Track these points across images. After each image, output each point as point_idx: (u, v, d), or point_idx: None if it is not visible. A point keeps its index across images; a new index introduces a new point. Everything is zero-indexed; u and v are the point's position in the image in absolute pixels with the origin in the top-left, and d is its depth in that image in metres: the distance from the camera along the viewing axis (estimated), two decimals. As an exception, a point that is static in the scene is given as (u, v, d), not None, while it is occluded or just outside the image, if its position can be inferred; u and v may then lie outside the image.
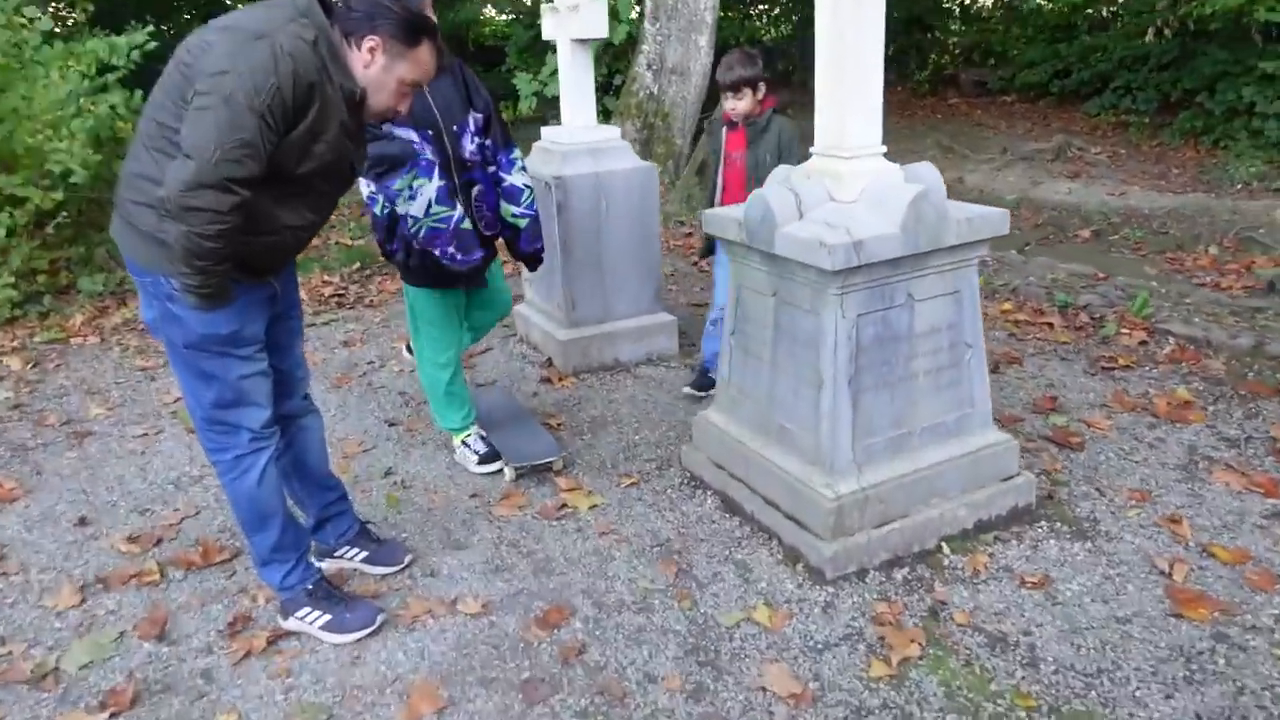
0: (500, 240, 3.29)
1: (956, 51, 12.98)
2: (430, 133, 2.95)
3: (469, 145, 3.04)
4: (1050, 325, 4.63)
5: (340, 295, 5.83)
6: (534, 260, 3.40)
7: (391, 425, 3.91)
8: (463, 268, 3.02)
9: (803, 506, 2.71)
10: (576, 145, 4.23)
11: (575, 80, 4.30)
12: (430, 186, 2.89)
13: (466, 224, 2.99)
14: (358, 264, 6.37)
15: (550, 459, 3.34)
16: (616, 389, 4.16)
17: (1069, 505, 2.99)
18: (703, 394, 3.90)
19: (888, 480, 2.69)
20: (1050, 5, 12.24)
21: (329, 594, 2.57)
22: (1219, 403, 3.67)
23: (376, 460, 3.59)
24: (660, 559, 2.81)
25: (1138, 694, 2.17)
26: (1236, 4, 8.04)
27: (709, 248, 3.83)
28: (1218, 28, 8.97)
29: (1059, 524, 2.87)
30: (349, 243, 7.03)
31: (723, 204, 3.59)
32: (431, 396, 3.43)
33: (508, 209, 3.21)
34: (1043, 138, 10.47)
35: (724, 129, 3.65)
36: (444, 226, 2.93)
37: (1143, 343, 4.33)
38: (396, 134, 2.86)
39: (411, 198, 2.89)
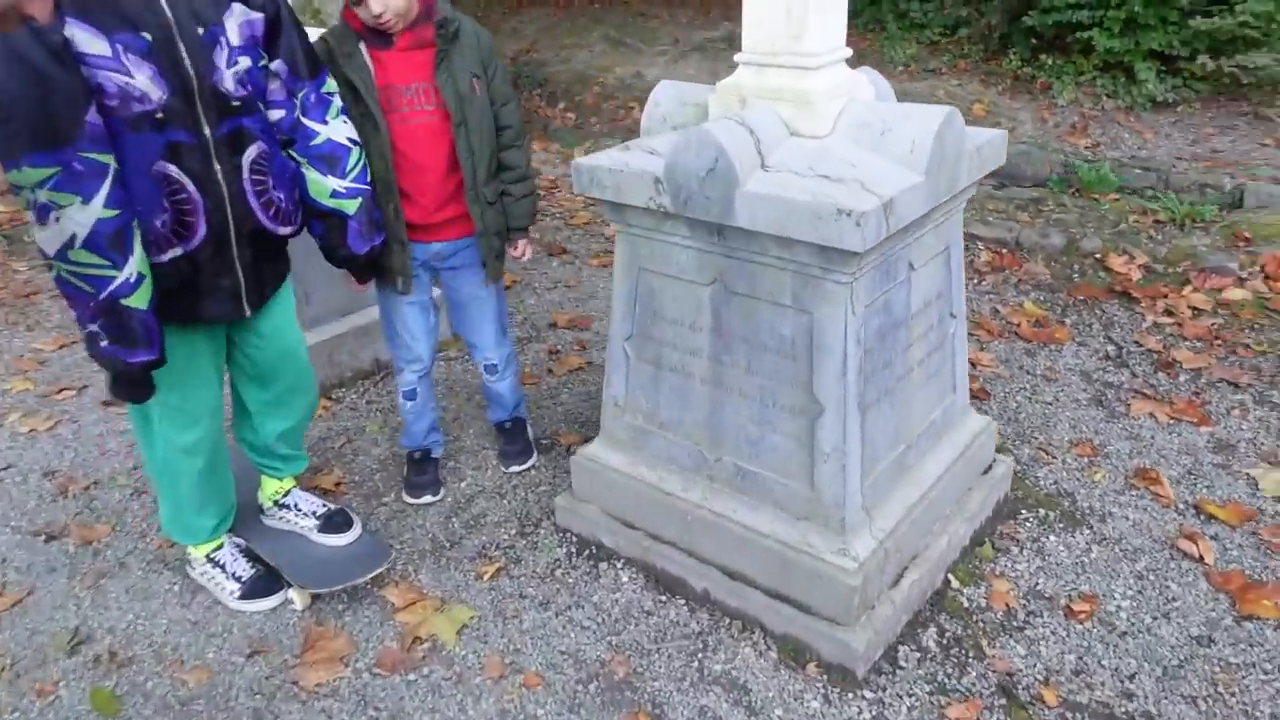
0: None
1: (599, -65, 12.23)
2: (148, 40, 1.58)
3: (227, 70, 1.69)
4: (851, 240, 4.19)
5: (-124, 310, 3.78)
6: (369, 265, 2.12)
7: (50, 540, 2.42)
8: (112, 363, 1.68)
9: (800, 581, 1.90)
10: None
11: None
12: (78, 214, 1.54)
13: (137, 300, 1.63)
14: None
15: (377, 570, 2.15)
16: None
17: (1029, 479, 2.51)
18: (420, 502, 2.48)
19: (901, 520, 1.96)
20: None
21: None
22: (1067, 313, 3.44)
23: (45, 619, 2.14)
24: (608, 701, 1.86)
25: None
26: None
27: (374, 261, 2.10)
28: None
29: (1040, 509, 2.37)
30: None
31: (401, 185, 2.08)
32: (165, 494, 2.07)
33: (323, 184, 1.91)
34: (708, 26, 10.16)
35: (362, 49, 2.03)
36: (89, 291, 1.60)
37: (952, 251, 4.03)
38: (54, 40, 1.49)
39: (42, 216, 1.54)
